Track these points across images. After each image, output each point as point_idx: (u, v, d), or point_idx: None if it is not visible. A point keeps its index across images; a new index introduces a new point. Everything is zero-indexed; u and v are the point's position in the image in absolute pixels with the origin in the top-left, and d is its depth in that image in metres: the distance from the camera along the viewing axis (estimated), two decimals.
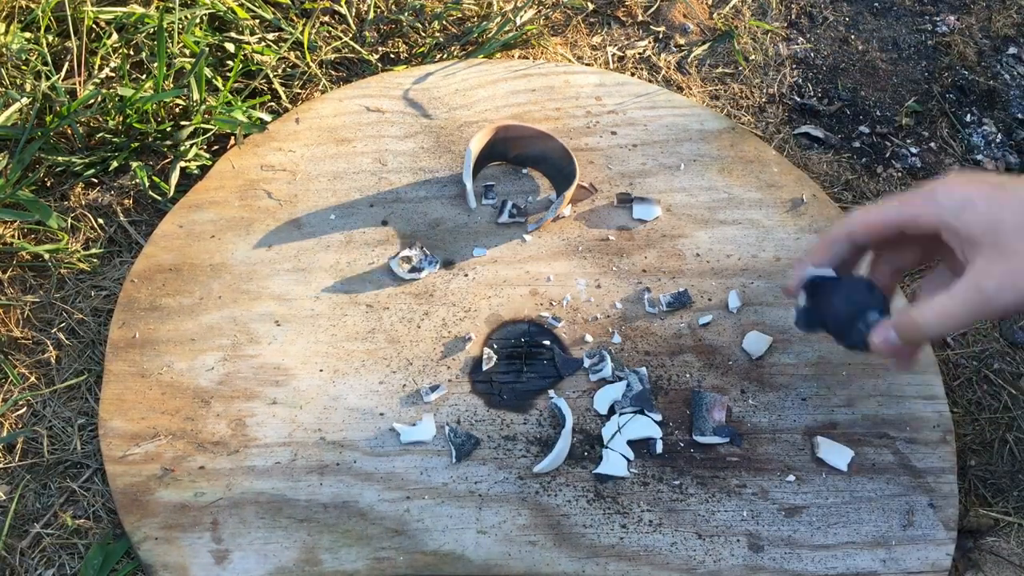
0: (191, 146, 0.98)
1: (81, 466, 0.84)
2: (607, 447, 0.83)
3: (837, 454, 0.83)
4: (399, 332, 0.88)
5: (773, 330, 0.90)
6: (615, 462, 0.82)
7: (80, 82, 1.01)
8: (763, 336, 0.90)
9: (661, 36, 1.17)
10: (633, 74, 1.12)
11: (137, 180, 0.97)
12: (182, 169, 0.98)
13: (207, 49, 1.01)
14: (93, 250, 0.94)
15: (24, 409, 0.86)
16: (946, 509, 0.82)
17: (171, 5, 1.03)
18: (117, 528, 0.81)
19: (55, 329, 0.90)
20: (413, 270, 0.91)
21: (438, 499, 0.80)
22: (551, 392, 0.86)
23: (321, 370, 0.86)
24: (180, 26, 1.03)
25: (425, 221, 0.95)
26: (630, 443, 0.83)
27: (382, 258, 0.92)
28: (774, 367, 0.88)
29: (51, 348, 0.89)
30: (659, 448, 0.83)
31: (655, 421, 0.84)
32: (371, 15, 1.12)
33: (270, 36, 1.09)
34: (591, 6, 1.17)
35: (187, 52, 1.04)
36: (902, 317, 0.70)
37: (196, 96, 0.99)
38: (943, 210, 0.69)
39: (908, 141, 1.11)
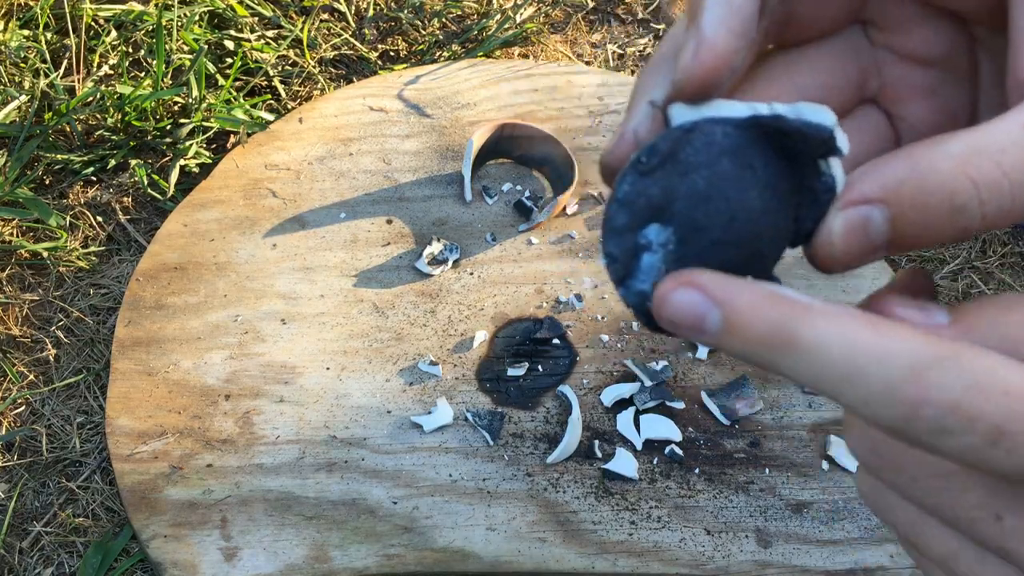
0: (191, 144, 0.98)
1: (80, 464, 0.83)
2: (619, 432, 0.83)
3: (848, 455, 0.84)
4: (405, 330, 0.88)
5: None
6: (625, 461, 0.82)
7: (79, 80, 1.00)
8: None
9: (661, 33, 1.17)
10: (633, 72, 1.12)
11: (136, 178, 0.96)
12: (181, 167, 0.98)
13: (206, 46, 1.01)
14: (92, 248, 0.94)
15: (23, 407, 0.85)
16: None
17: (170, 2, 1.03)
18: (116, 527, 0.80)
19: (54, 327, 0.89)
20: (435, 262, 0.91)
21: (447, 496, 0.80)
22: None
23: (328, 368, 0.85)
24: (179, 23, 1.02)
25: (430, 219, 0.95)
26: (649, 441, 0.84)
27: (387, 256, 0.92)
28: None
29: (50, 346, 0.88)
30: (679, 453, 0.83)
31: (677, 409, 0.85)
32: (370, 12, 1.12)
33: (269, 33, 1.08)
34: (591, 4, 1.18)
35: (186, 49, 1.03)
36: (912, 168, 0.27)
37: (196, 94, 0.98)
38: None
39: None
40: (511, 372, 0.86)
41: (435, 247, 0.92)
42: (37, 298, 0.91)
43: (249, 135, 0.98)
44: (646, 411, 0.85)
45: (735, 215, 0.27)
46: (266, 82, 1.06)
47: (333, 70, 1.09)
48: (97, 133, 0.99)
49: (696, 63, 0.28)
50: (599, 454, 0.83)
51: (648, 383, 0.86)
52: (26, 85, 0.98)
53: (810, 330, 0.25)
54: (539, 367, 0.87)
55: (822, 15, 0.32)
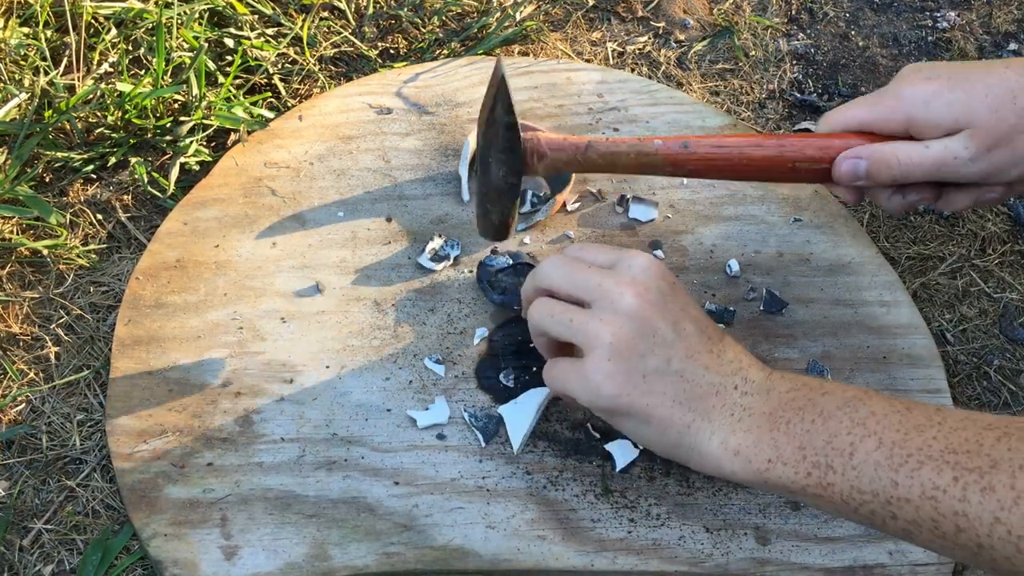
0: (191, 142, 0.98)
1: (80, 462, 0.83)
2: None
3: None
4: (405, 328, 0.88)
5: (778, 325, 0.91)
6: (625, 449, 0.82)
7: (79, 77, 1.00)
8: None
9: (661, 31, 1.17)
10: (633, 70, 1.13)
11: (136, 176, 0.96)
12: (181, 165, 0.98)
13: (206, 44, 1.01)
14: (92, 246, 0.94)
15: (23, 405, 0.85)
16: None
17: (170, 0, 1.03)
18: (116, 524, 0.80)
19: (54, 325, 0.89)
20: (437, 258, 0.91)
21: (446, 494, 0.80)
22: None
23: (328, 366, 0.85)
24: (179, 21, 1.02)
25: (430, 218, 0.95)
26: None
27: (387, 254, 0.92)
28: (778, 362, 0.89)
29: (50, 344, 0.88)
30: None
31: None
32: (370, 10, 1.12)
33: (269, 31, 1.08)
34: (591, 2, 1.18)
35: (186, 47, 1.03)
36: (879, 152, 0.76)
37: (196, 91, 0.98)
38: (910, 105, 0.75)
39: None
40: (509, 375, 0.86)
41: (436, 243, 0.92)
42: (37, 296, 0.91)
43: (249, 133, 0.99)
44: None
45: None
46: (266, 80, 1.06)
47: (333, 68, 1.09)
48: (97, 131, 0.99)
49: None
50: (598, 451, 0.83)
51: None
52: (26, 83, 0.98)
53: None
54: (539, 364, 0.87)
55: None
